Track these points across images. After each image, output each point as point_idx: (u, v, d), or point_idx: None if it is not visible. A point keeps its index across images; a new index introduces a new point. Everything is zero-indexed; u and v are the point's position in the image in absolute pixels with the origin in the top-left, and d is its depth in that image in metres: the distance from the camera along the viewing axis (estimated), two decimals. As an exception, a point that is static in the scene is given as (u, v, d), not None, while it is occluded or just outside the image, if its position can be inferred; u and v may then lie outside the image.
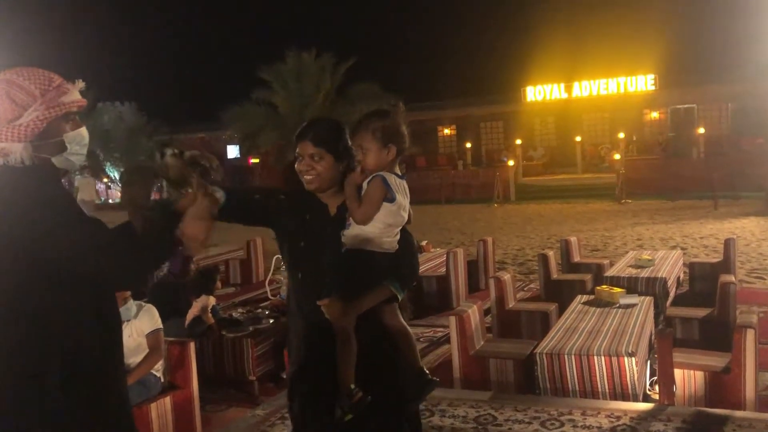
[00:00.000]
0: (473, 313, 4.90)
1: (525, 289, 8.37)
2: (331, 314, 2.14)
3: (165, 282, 6.20)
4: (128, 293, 4.00)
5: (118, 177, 30.40)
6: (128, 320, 3.96)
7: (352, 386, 2.13)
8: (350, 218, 2.20)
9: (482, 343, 4.96)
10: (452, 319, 4.75)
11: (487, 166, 27.08)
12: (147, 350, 3.99)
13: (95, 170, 30.70)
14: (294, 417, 2.35)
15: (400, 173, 2.24)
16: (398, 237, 2.25)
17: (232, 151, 35.99)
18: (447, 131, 33.40)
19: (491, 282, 6.15)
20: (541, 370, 4.23)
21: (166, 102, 41.47)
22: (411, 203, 2.28)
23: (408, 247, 2.31)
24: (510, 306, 6.08)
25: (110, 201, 29.29)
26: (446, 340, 5.79)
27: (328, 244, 2.22)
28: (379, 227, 2.17)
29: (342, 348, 2.16)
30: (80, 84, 1.91)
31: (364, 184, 2.18)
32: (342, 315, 2.14)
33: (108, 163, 30.80)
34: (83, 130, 1.91)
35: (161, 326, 4.11)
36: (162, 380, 4.10)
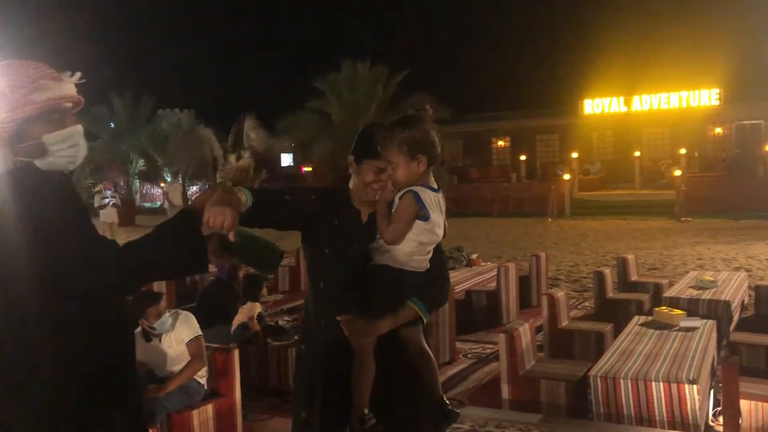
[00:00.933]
0: (524, 330, 4.73)
1: (579, 307, 8.11)
2: (350, 332, 2.00)
3: (212, 288, 6.25)
4: (163, 307, 3.99)
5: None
6: (165, 332, 3.96)
7: (366, 411, 1.99)
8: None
9: (533, 362, 4.78)
10: (502, 337, 4.59)
11: (542, 179, 26.58)
12: (189, 358, 3.98)
13: (153, 176, 31.63)
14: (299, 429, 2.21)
15: (435, 186, 2.08)
16: (430, 255, 2.10)
17: (286, 159, 36.51)
18: (501, 143, 33.09)
19: (544, 299, 5.96)
20: (594, 393, 4.04)
21: (223, 109, 42.52)
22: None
23: (440, 266, 2.15)
24: (563, 325, 5.87)
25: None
26: (495, 357, 5.63)
27: (355, 255, 2.08)
28: (411, 246, 2.03)
29: (359, 369, 2.01)
30: (73, 77, 1.68)
31: (396, 199, 2.03)
32: (362, 334, 2.00)
33: (166, 169, 31.59)
34: (69, 130, 1.68)
35: (201, 332, 4.09)
36: (205, 387, 4.08)
